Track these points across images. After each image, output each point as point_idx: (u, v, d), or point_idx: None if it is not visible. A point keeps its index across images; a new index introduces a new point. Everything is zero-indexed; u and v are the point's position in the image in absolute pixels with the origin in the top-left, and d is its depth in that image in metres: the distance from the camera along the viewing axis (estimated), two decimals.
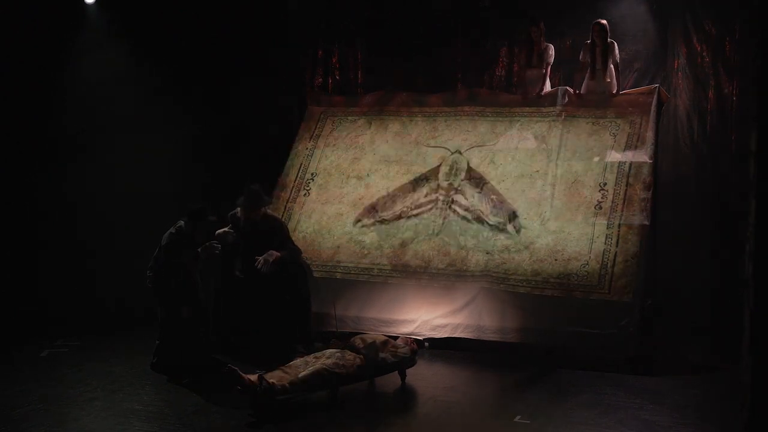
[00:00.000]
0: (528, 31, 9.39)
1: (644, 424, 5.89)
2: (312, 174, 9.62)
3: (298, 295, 7.62)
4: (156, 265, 7.11)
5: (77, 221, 9.74)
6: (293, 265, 7.63)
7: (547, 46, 9.31)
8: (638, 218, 8.07)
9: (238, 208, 7.69)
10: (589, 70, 9.05)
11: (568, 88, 9.25)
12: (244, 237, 7.55)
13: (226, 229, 7.64)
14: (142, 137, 9.88)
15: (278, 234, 7.67)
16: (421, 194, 9.01)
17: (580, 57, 9.15)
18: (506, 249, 8.34)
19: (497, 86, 10.13)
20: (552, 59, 9.33)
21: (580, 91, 9.14)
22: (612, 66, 8.99)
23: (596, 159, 8.62)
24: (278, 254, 7.45)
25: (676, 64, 9.39)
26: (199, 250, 7.14)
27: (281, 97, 10.68)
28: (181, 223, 7.12)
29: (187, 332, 7.01)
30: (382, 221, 8.94)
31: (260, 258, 7.37)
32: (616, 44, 9.00)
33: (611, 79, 9.00)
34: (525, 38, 9.51)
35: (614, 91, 8.98)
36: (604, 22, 8.93)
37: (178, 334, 7.00)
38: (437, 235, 8.64)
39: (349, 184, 9.40)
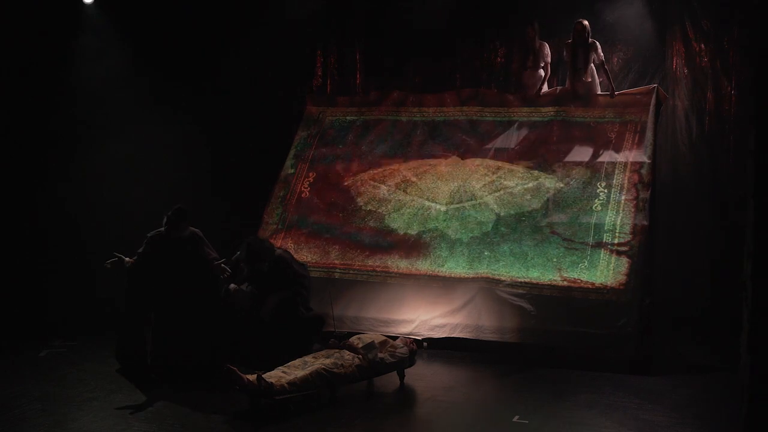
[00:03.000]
0: (523, 33, 9.37)
1: (643, 424, 5.89)
2: (311, 174, 9.62)
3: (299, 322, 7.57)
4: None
5: (77, 222, 9.74)
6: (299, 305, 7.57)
7: (541, 44, 9.30)
8: (637, 218, 8.08)
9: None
10: (570, 70, 9.04)
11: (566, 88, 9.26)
12: (253, 283, 7.44)
13: (238, 286, 7.49)
14: (141, 137, 9.88)
15: (282, 275, 7.49)
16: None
17: (564, 56, 9.16)
18: (505, 249, 8.35)
19: (496, 86, 10.12)
20: (549, 57, 9.32)
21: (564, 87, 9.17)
22: (593, 66, 8.97)
23: (595, 159, 8.63)
24: (273, 304, 7.34)
25: (674, 65, 9.39)
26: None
27: (280, 98, 10.68)
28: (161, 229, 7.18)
29: (186, 331, 7.02)
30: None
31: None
32: (598, 44, 8.95)
33: (592, 78, 8.99)
34: (520, 39, 9.49)
35: (597, 91, 8.99)
36: (586, 22, 8.90)
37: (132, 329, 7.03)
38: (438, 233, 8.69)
39: (348, 184, 9.41)
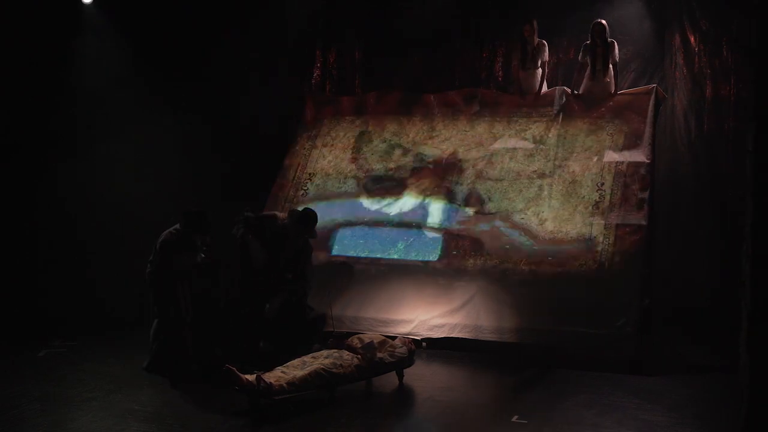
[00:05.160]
0: (520, 31, 9.37)
1: (642, 424, 5.89)
2: (310, 174, 9.63)
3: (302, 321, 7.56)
4: (152, 266, 7.10)
5: (77, 222, 9.74)
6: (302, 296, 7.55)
7: (540, 43, 9.28)
8: (636, 218, 8.08)
9: (282, 218, 7.68)
10: (588, 71, 9.04)
11: (565, 88, 9.26)
12: (286, 258, 7.45)
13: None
14: (140, 138, 9.88)
15: (302, 259, 7.53)
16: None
17: (579, 57, 9.14)
18: (504, 249, 8.35)
19: (495, 86, 10.13)
20: (547, 56, 9.31)
21: (578, 91, 9.15)
22: (611, 66, 8.98)
23: (594, 159, 8.63)
24: (278, 304, 7.34)
25: (673, 64, 9.40)
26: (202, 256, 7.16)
27: (279, 97, 10.67)
28: (177, 226, 7.13)
29: (186, 334, 7.01)
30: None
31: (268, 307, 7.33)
32: (615, 44, 8.99)
33: (610, 79, 9.00)
34: (518, 38, 9.49)
35: (613, 91, 8.99)
36: (604, 22, 8.92)
37: (173, 336, 6.99)
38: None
39: (347, 183, 9.42)
